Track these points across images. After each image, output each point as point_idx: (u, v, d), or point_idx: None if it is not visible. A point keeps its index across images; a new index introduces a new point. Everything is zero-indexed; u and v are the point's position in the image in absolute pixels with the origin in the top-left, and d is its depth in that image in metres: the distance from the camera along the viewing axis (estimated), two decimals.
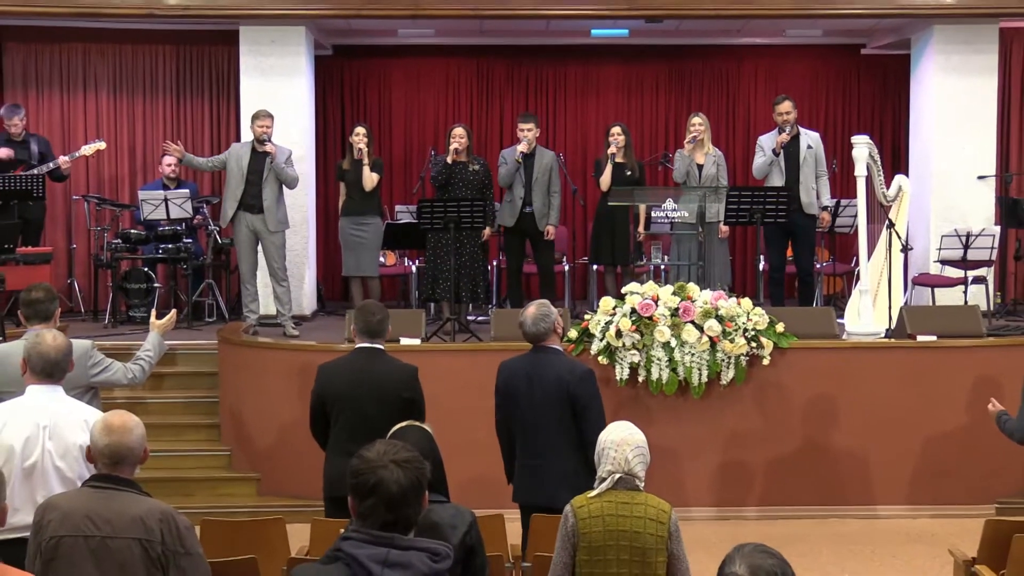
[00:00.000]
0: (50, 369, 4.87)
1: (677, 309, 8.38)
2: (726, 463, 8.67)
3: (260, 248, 10.23)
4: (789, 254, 10.77)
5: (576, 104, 13.17)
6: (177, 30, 12.01)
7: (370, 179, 10.47)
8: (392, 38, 12.70)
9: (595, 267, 11.18)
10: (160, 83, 12.32)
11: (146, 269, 11.01)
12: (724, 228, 10.40)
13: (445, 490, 4.47)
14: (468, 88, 13.15)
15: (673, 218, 9.70)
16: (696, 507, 8.50)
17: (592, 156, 12.19)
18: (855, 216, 9.96)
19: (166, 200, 10.68)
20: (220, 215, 10.54)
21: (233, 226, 10.25)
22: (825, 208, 10.53)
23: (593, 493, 4.49)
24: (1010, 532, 5.63)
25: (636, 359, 8.39)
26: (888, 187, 9.79)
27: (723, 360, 8.42)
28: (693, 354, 8.38)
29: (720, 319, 8.36)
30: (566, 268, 11.81)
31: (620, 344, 8.37)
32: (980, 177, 11.34)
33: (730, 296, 8.60)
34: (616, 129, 10.67)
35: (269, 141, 10.08)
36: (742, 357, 8.44)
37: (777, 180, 10.29)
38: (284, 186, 10.22)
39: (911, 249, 10.40)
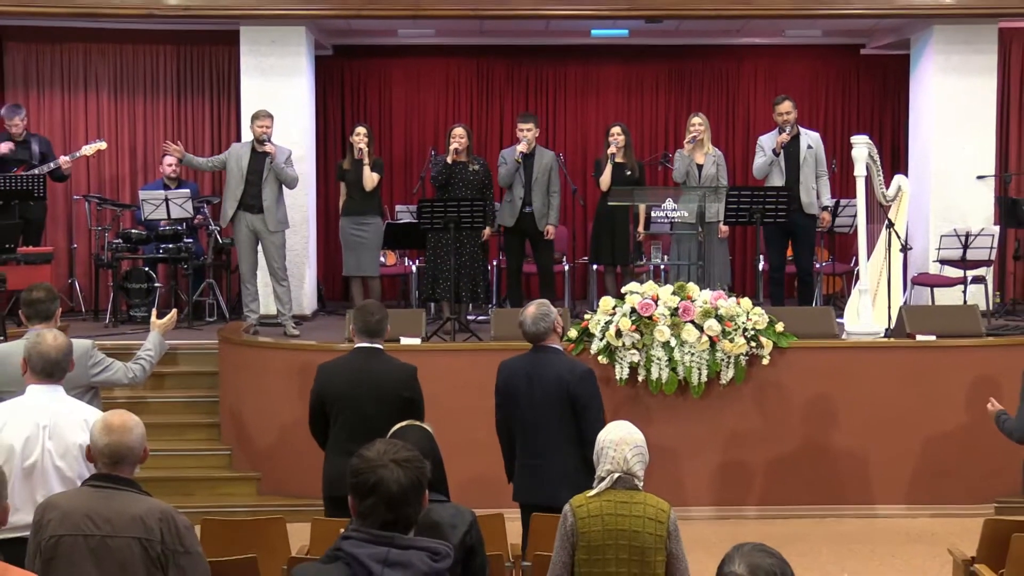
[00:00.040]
0: (50, 369, 4.88)
1: (677, 309, 8.39)
2: (725, 463, 8.68)
3: (260, 248, 10.25)
4: (789, 254, 10.79)
5: (576, 104, 13.18)
6: (178, 30, 12.02)
7: (370, 179, 10.49)
8: (392, 38, 12.71)
9: (595, 267, 11.19)
10: (161, 83, 12.33)
11: (147, 269, 11.02)
12: (724, 228, 10.41)
13: (445, 489, 4.48)
14: (468, 88, 13.16)
15: (673, 218, 9.71)
16: (695, 507, 8.51)
17: (592, 156, 12.20)
18: (854, 216, 9.97)
19: (167, 200, 10.69)
20: (220, 215, 10.56)
21: (233, 226, 10.27)
22: (825, 208, 10.54)
23: (592, 492, 4.49)
24: (1009, 531, 5.64)
25: (636, 359, 8.40)
26: (887, 187, 9.80)
27: (723, 360, 8.43)
28: (693, 354, 8.39)
29: (720, 319, 8.37)
30: (566, 268, 11.82)
31: (620, 344, 8.38)
32: (979, 177, 11.35)
33: (730, 296, 8.61)
34: (616, 129, 10.68)
35: (269, 141, 10.10)
36: (742, 357, 8.45)
37: (777, 180, 10.29)
38: (284, 186, 10.23)
39: (910, 249, 10.42)
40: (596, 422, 5.47)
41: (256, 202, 10.10)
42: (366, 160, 10.47)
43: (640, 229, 10.85)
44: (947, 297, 10.87)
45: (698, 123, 10.58)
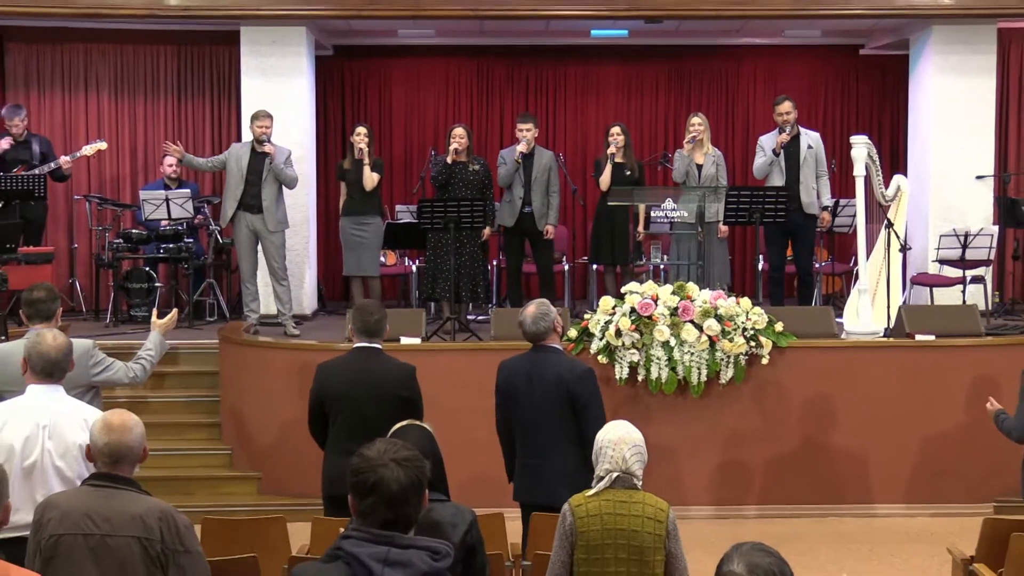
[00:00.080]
0: (50, 369, 4.88)
1: (676, 308, 8.40)
2: (725, 462, 8.69)
3: (260, 248, 10.27)
4: (789, 254, 10.80)
5: (576, 104, 13.19)
6: (178, 30, 12.03)
7: (371, 179, 10.50)
8: (392, 38, 12.72)
9: (595, 267, 11.20)
10: (161, 83, 12.34)
11: (147, 269, 11.04)
12: (723, 228, 10.42)
13: (445, 489, 4.49)
14: (468, 88, 13.17)
15: (672, 218, 9.73)
16: (695, 506, 8.53)
17: (592, 156, 12.21)
18: (854, 216, 9.99)
19: (167, 200, 10.70)
20: (220, 215, 10.57)
21: (233, 226, 10.29)
22: (825, 208, 10.55)
23: (591, 492, 4.49)
24: (1008, 531, 5.65)
25: (635, 358, 8.41)
26: (887, 187, 9.81)
27: (722, 359, 8.44)
28: (692, 353, 8.40)
29: (719, 318, 8.38)
30: (566, 268, 11.83)
31: (620, 343, 8.39)
32: (978, 177, 11.36)
33: (729, 296, 8.62)
34: (616, 129, 10.70)
35: (268, 141, 10.11)
36: (741, 356, 8.47)
37: (777, 180, 10.31)
38: (283, 186, 10.25)
39: (910, 249, 10.43)
40: (596, 421, 5.46)
41: (256, 202, 10.11)
42: (366, 160, 10.49)
43: (640, 229, 10.86)
44: (946, 297, 10.89)
45: (698, 123, 10.59)
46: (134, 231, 10.98)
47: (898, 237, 9.59)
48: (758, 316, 8.49)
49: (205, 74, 12.39)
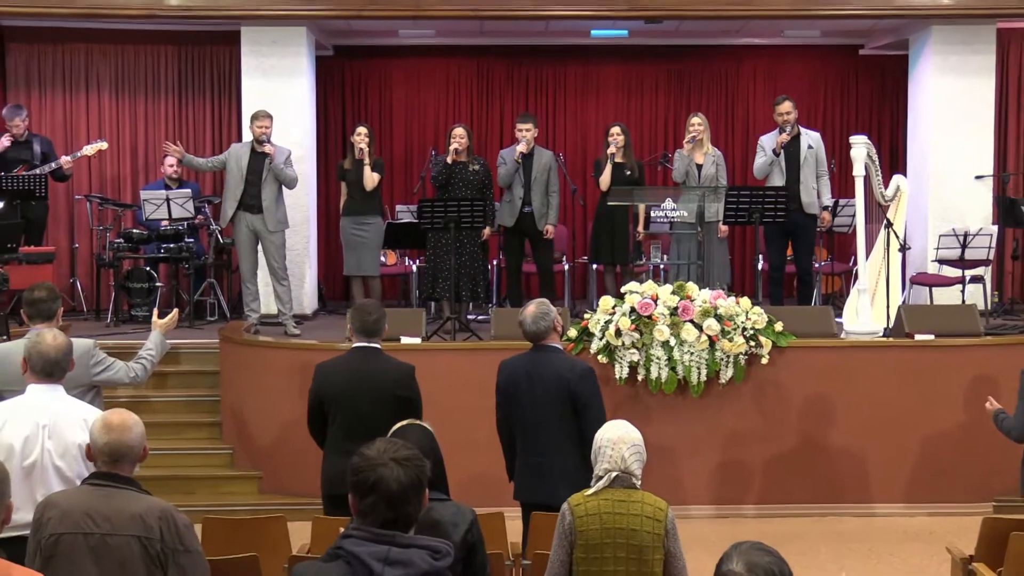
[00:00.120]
0: (50, 368, 4.88)
1: (676, 308, 8.41)
2: (725, 462, 8.70)
3: (260, 248, 10.28)
4: (789, 253, 10.81)
5: (576, 104, 13.20)
6: (179, 31, 12.04)
7: (371, 179, 10.52)
8: (393, 38, 12.73)
9: (595, 266, 11.22)
10: (162, 83, 12.35)
11: (148, 268, 11.06)
12: (723, 228, 10.44)
13: (446, 488, 4.49)
14: (468, 88, 13.18)
15: (672, 218, 9.74)
16: (695, 505, 8.54)
17: (592, 156, 12.22)
18: (853, 216, 10.00)
19: (168, 200, 10.72)
20: (220, 215, 10.59)
21: (233, 226, 10.30)
22: (826, 208, 10.56)
23: (590, 491, 4.49)
24: (1007, 530, 5.66)
25: (635, 358, 8.42)
26: (886, 187, 9.83)
27: (722, 359, 8.45)
28: (692, 353, 8.41)
29: (719, 318, 8.39)
30: (566, 267, 11.84)
31: (619, 343, 8.41)
32: (978, 177, 11.38)
33: (729, 295, 8.64)
34: (615, 129, 10.71)
35: (268, 142, 10.12)
36: (741, 356, 8.48)
37: (778, 180, 10.32)
38: (283, 186, 10.26)
39: (909, 248, 10.45)
40: (597, 420, 5.46)
41: (256, 202, 10.13)
42: (367, 160, 10.50)
43: (640, 229, 10.87)
44: (945, 297, 10.90)
45: (697, 123, 10.61)
46: (135, 231, 10.99)
47: (897, 237, 9.61)
48: (758, 316, 8.50)
49: (206, 74, 12.40)
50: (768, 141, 10.51)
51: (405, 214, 11.87)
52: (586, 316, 8.66)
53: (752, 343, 8.48)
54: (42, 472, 4.71)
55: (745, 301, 8.57)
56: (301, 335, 9.95)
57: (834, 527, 8.45)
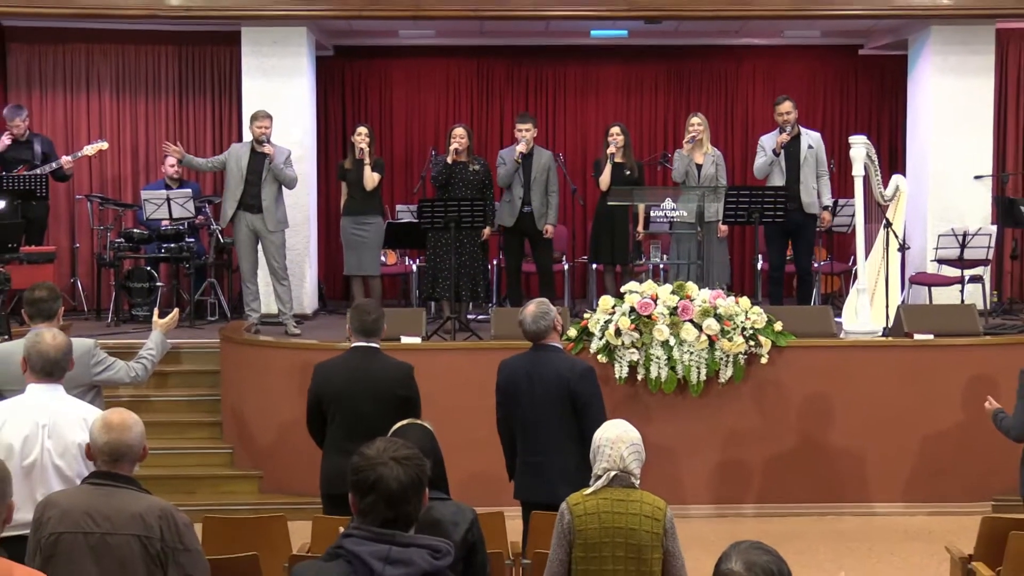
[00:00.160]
0: (49, 368, 4.89)
1: (676, 308, 8.42)
2: (724, 461, 8.71)
3: (260, 247, 10.29)
4: (789, 253, 10.82)
5: (576, 104, 13.21)
6: (179, 31, 12.05)
7: (371, 179, 10.54)
8: (393, 39, 12.74)
9: (594, 266, 11.23)
10: (163, 83, 12.36)
11: (149, 268, 11.08)
12: (723, 227, 10.45)
13: (446, 487, 4.50)
14: (468, 88, 13.19)
15: (672, 217, 9.75)
16: (694, 504, 8.55)
17: (592, 156, 12.24)
18: (853, 216, 10.01)
19: (168, 200, 10.73)
20: (220, 215, 10.60)
21: (233, 226, 10.32)
22: (826, 208, 10.58)
23: (589, 490, 4.50)
24: (1006, 529, 5.67)
25: (635, 357, 8.43)
26: (885, 187, 9.84)
27: (721, 359, 8.47)
28: (692, 353, 8.43)
29: (719, 318, 8.40)
30: (565, 267, 11.85)
31: (619, 343, 8.42)
32: (977, 177, 11.39)
33: (728, 295, 8.65)
34: (615, 129, 10.72)
35: (268, 142, 10.14)
36: (740, 356, 8.49)
37: (778, 180, 10.33)
38: (283, 186, 10.27)
39: (908, 248, 10.46)
40: (597, 419, 5.44)
41: (256, 202, 10.14)
42: (367, 160, 10.52)
43: (639, 229, 10.89)
44: (944, 296, 10.92)
45: (697, 123, 10.62)
46: (135, 231, 11.00)
47: (896, 237, 9.62)
48: (757, 315, 8.52)
49: (206, 74, 12.41)
50: (768, 141, 10.52)
51: (405, 214, 11.88)
52: (586, 316, 8.67)
53: (751, 343, 8.49)
54: (42, 471, 4.72)
55: (744, 301, 8.58)
56: (301, 335, 9.96)
57: (833, 526, 8.46)
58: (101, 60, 12.30)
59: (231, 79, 12.17)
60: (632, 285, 8.62)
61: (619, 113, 12.89)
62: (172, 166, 11.39)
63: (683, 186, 10.39)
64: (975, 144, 11.38)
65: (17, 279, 9.46)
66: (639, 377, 8.47)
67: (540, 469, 5.96)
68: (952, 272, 10.85)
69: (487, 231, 10.50)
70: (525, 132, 10.50)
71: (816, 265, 11.16)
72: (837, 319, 9.60)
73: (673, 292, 8.50)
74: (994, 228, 10.87)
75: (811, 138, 10.49)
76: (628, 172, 10.62)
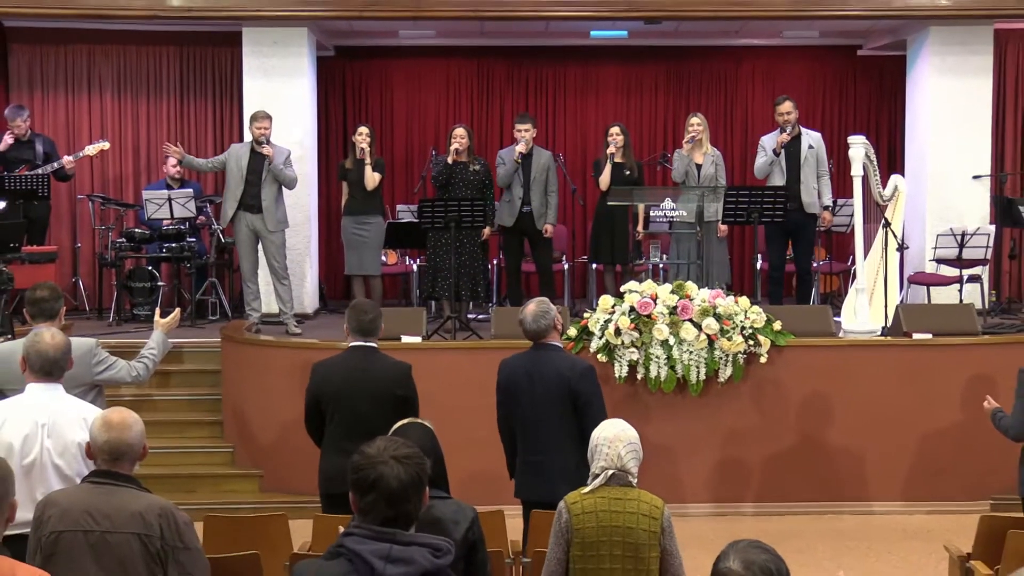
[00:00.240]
0: (48, 367, 4.89)
1: (675, 307, 8.44)
2: (723, 460, 8.73)
3: (261, 247, 10.32)
4: (789, 253, 10.84)
5: (575, 104, 13.22)
6: (181, 31, 12.07)
7: (372, 179, 10.56)
8: (393, 39, 12.76)
9: (594, 266, 11.24)
10: (164, 84, 12.38)
11: (150, 268, 11.10)
12: (722, 227, 10.47)
13: (446, 486, 4.51)
14: (468, 88, 13.21)
15: (672, 217, 9.77)
16: (693, 503, 8.57)
17: (591, 156, 12.25)
18: (852, 215, 10.03)
19: (170, 200, 10.75)
20: (220, 215, 10.62)
21: (233, 226, 10.34)
22: (827, 207, 10.60)
23: (586, 489, 4.51)
24: (1005, 528, 5.69)
25: (635, 357, 8.45)
26: (884, 187, 9.86)
27: (721, 358, 8.49)
28: (691, 352, 8.45)
29: (718, 317, 8.42)
30: (565, 267, 11.87)
31: (619, 342, 8.44)
32: (975, 177, 11.40)
33: (728, 295, 8.67)
34: (615, 129, 10.74)
35: (267, 142, 10.16)
36: (740, 355, 8.51)
37: (778, 180, 10.35)
38: (283, 186, 10.30)
39: (907, 248, 10.48)
40: (597, 418, 5.43)
41: (256, 202, 10.16)
42: (368, 160, 10.55)
43: (639, 228, 10.91)
44: (943, 296, 10.94)
45: (697, 123, 10.64)
46: (137, 230, 11.02)
47: (895, 236, 9.64)
48: (756, 315, 8.53)
49: (207, 74, 12.43)
50: (769, 141, 10.54)
51: (406, 214, 11.90)
52: (586, 315, 8.68)
53: (751, 342, 8.51)
54: (41, 471, 4.73)
55: (744, 300, 8.60)
56: (302, 334, 9.98)
57: (832, 525, 8.48)
58: (102, 60, 12.32)
59: (232, 79, 12.19)
60: (632, 285, 8.64)
61: (619, 113, 12.90)
62: (173, 166, 11.40)
63: (683, 186, 10.40)
64: (973, 144, 11.40)
65: (19, 279, 9.47)
66: (639, 376, 8.49)
67: (540, 468, 5.97)
68: (951, 272, 10.87)
69: (487, 231, 10.52)
70: (524, 132, 10.52)
71: (815, 265, 11.18)
72: (836, 319, 9.62)
73: (673, 292, 8.51)
74: (992, 228, 10.89)
75: (811, 138, 10.51)
76: (628, 172, 10.64)
